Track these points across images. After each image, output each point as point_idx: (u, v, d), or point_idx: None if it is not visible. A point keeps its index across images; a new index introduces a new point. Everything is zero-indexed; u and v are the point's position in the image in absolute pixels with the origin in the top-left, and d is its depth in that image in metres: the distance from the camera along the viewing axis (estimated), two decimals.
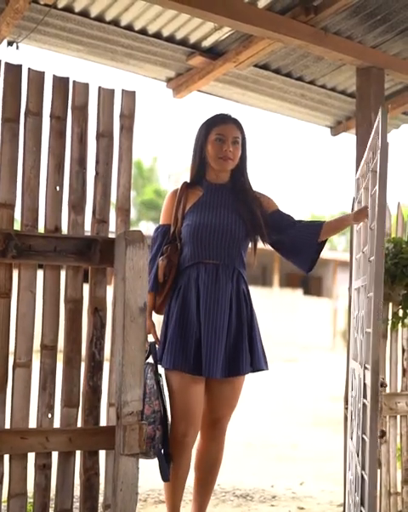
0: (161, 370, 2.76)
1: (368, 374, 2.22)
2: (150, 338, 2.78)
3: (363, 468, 2.23)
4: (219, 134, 2.75)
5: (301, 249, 2.75)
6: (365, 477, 2.14)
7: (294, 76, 4.13)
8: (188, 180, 2.88)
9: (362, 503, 2.23)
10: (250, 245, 2.86)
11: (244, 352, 2.71)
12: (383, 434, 2.28)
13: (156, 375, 2.69)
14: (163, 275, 2.74)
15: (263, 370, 2.80)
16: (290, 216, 2.84)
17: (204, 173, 2.85)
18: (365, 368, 2.27)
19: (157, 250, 2.82)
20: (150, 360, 2.72)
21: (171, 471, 2.69)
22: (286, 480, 4.57)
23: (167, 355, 2.68)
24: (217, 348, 2.66)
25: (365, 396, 2.24)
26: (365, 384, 2.25)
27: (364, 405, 2.24)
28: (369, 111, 3.51)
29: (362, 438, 2.24)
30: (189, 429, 2.73)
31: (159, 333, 2.82)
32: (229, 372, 2.71)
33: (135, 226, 28.29)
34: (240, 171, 2.85)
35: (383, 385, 2.28)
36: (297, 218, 2.87)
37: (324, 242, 2.78)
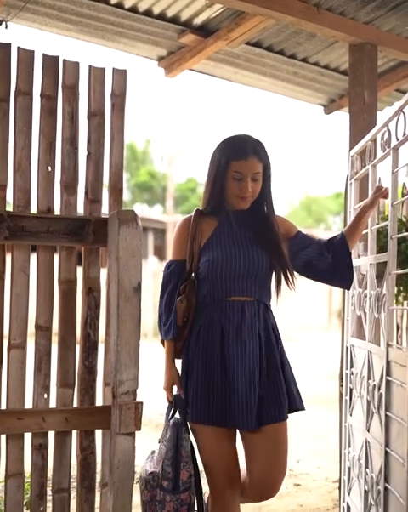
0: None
1: (393, 351, 2.24)
2: (175, 390, 2.46)
3: (387, 445, 2.25)
4: (238, 172, 2.39)
5: (338, 268, 2.51)
6: (393, 454, 2.17)
7: (287, 54, 4.10)
8: (200, 208, 2.52)
9: (387, 480, 2.25)
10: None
11: (282, 396, 2.38)
12: None
13: (189, 434, 2.40)
14: (182, 318, 2.43)
15: (299, 410, 2.46)
16: (313, 238, 2.58)
17: (221, 201, 2.46)
18: (389, 346, 2.29)
19: (173, 290, 2.46)
20: (177, 415, 2.42)
21: None
22: None
23: (192, 407, 2.37)
24: (250, 396, 2.33)
25: (389, 374, 2.26)
26: (388, 362, 2.27)
27: (387, 382, 2.26)
28: (362, 89, 3.49)
29: (386, 415, 2.25)
30: (227, 480, 2.39)
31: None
32: (267, 420, 2.36)
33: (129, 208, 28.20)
34: (261, 197, 2.48)
35: None
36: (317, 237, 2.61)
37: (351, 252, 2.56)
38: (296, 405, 2.43)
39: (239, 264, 2.39)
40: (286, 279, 2.46)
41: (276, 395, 2.37)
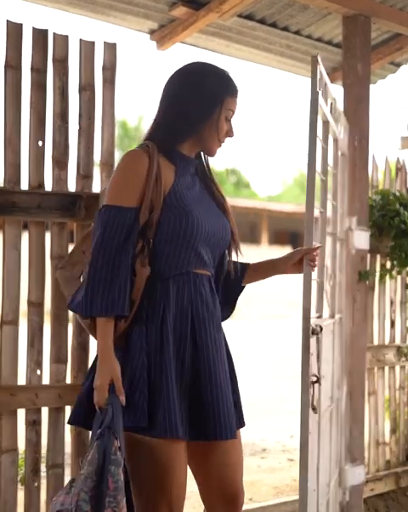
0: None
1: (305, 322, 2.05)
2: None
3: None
4: (232, 111, 1.90)
5: (228, 287, 1.99)
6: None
7: (279, 27, 4.04)
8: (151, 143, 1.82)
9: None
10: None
11: (239, 397, 1.89)
12: (317, 379, 2.06)
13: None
14: (138, 289, 1.75)
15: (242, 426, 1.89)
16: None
17: (181, 141, 1.86)
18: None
19: (123, 247, 1.71)
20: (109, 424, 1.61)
21: None
22: (276, 434, 4.65)
23: (161, 416, 1.66)
24: (229, 397, 1.79)
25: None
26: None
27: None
28: (355, 61, 3.45)
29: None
30: None
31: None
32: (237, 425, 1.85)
33: None
34: None
35: (315, 332, 2.08)
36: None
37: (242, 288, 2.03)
38: (242, 420, 1.90)
39: (213, 227, 1.84)
40: (237, 249, 1.96)
41: (237, 397, 1.87)
